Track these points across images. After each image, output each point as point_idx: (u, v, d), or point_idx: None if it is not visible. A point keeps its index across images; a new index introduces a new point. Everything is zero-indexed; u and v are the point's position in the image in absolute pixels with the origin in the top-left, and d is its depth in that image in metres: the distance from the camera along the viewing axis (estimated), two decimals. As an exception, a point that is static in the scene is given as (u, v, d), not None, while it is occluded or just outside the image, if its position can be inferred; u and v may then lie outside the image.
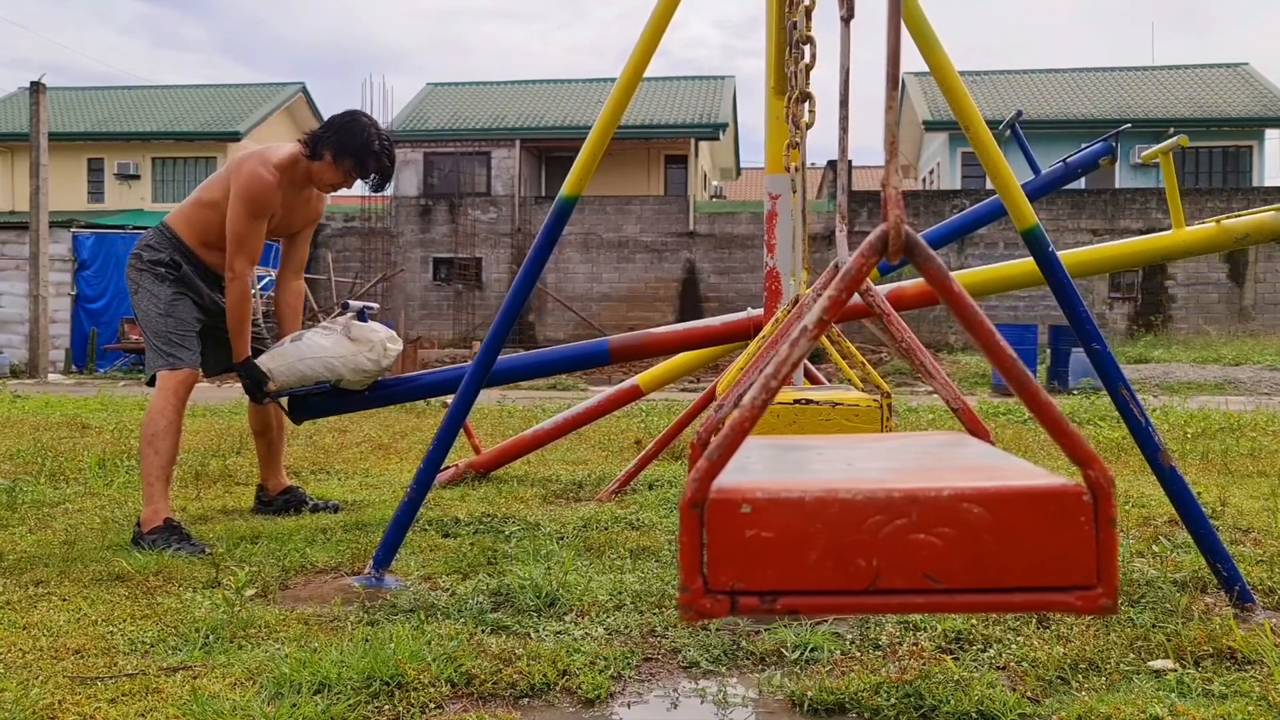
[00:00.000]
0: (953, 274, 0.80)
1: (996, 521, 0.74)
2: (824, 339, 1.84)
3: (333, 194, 3.93)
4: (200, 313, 3.78)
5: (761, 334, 1.89)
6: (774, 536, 0.75)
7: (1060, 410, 0.78)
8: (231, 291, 3.69)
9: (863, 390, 1.93)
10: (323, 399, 3.84)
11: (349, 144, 3.70)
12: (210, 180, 3.83)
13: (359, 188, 3.96)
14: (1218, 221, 3.69)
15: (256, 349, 3.90)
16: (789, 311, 1.75)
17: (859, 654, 2.35)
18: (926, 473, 0.88)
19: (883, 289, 3.87)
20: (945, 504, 0.74)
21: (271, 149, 3.79)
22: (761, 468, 0.96)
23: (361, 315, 3.87)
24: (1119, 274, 21.43)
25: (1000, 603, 0.75)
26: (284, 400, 3.91)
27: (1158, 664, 2.27)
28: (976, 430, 1.11)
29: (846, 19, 1.28)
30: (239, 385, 3.91)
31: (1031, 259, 2.97)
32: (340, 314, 3.91)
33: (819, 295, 0.99)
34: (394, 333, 3.89)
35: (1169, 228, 3.97)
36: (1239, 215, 3.72)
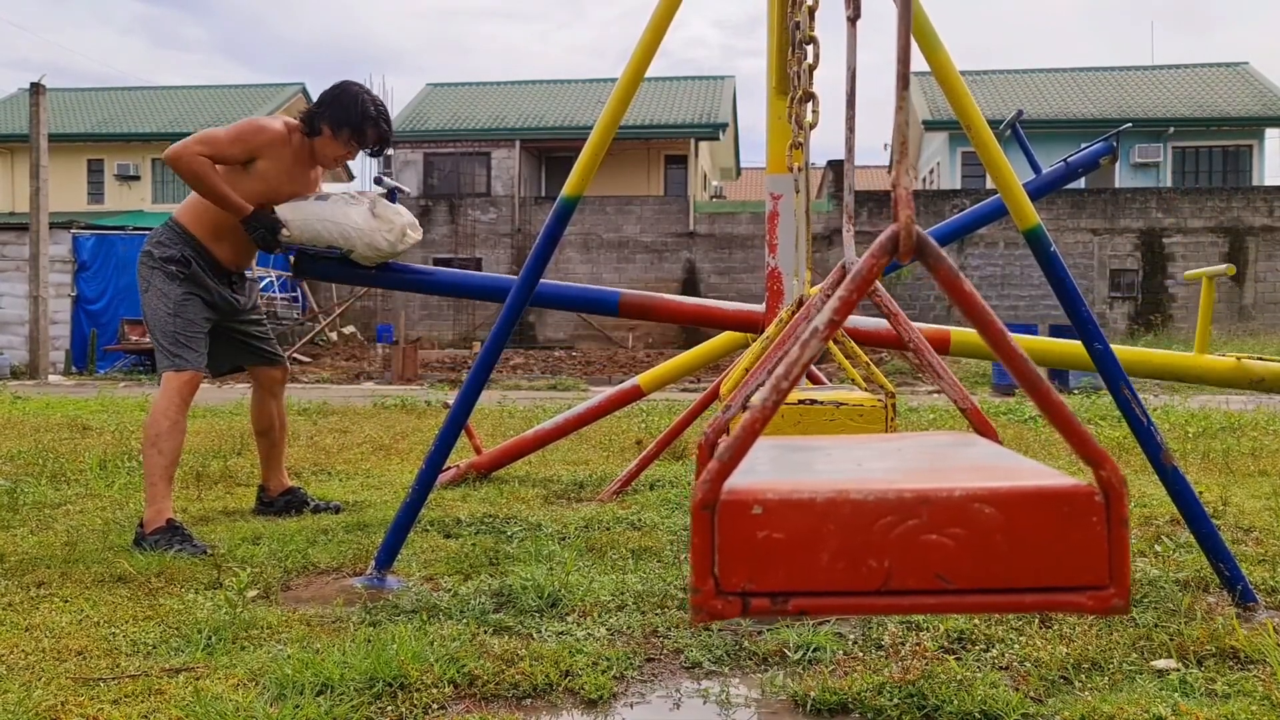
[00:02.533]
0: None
1: (1008, 522, 0.74)
2: (828, 339, 1.83)
3: (336, 167, 3.83)
4: (210, 311, 3.76)
5: (765, 334, 1.89)
6: (785, 538, 0.74)
7: (1071, 410, 0.78)
8: (183, 172, 3.54)
9: (866, 390, 1.93)
10: (330, 263, 3.74)
11: (344, 115, 3.69)
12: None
13: (360, 161, 3.91)
14: (1238, 359, 3.72)
15: (258, 341, 3.86)
16: (793, 312, 1.75)
17: (862, 654, 2.35)
18: (936, 473, 0.88)
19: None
20: (957, 504, 0.74)
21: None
22: (769, 468, 0.95)
23: (392, 196, 3.76)
24: (1119, 274, 21.46)
25: (1012, 603, 0.75)
26: (292, 258, 3.79)
27: (1160, 664, 2.27)
28: (984, 430, 1.11)
29: (853, 19, 1.28)
30: (240, 386, 3.89)
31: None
32: (374, 189, 3.82)
33: (829, 296, 0.99)
34: (415, 221, 3.80)
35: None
36: (1262, 358, 3.74)
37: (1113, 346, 2.88)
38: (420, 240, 3.82)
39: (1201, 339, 3.75)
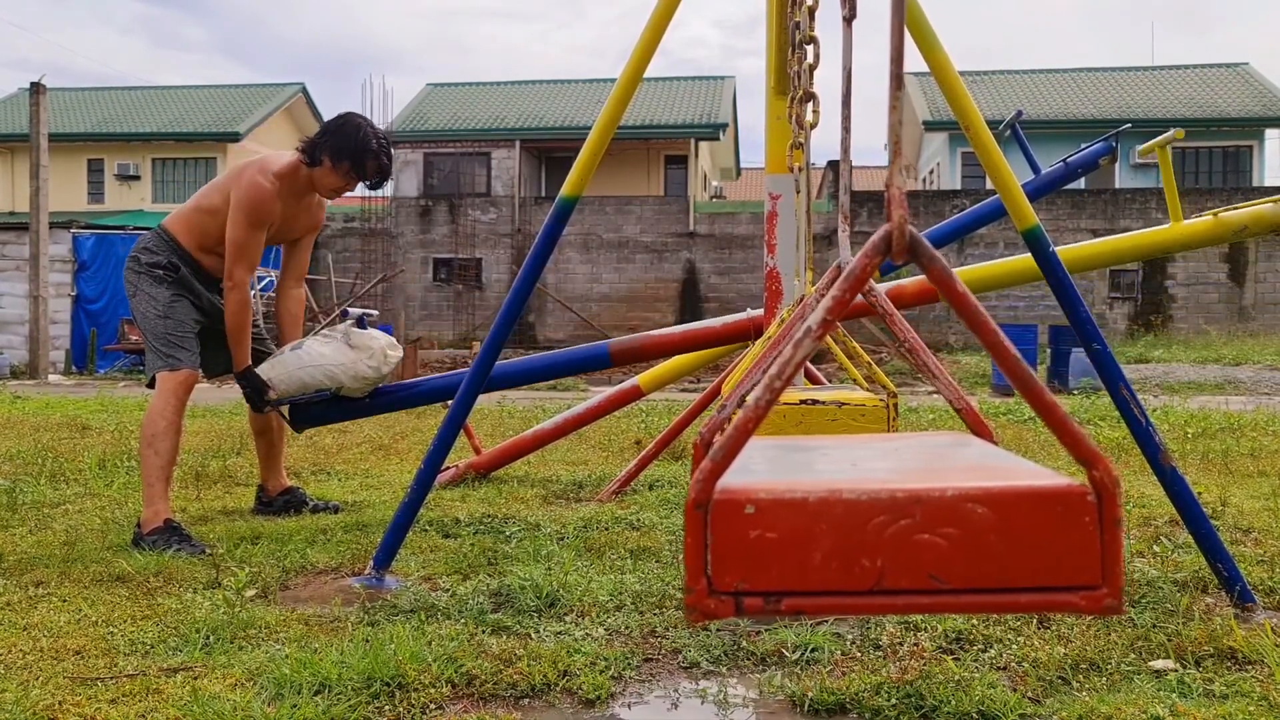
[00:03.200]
0: (955, 272, 0.80)
1: (1001, 521, 0.74)
2: (828, 338, 1.83)
3: (335, 198, 3.92)
4: (199, 314, 3.78)
5: (765, 334, 1.89)
6: (778, 537, 0.74)
7: (1065, 410, 0.78)
8: (230, 300, 3.70)
9: (868, 390, 1.93)
10: (323, 407, 3.85)
11: (345, 146, 3.70)
12: (210, 186, 3.84)
13: (360, 189, 3.96)
14: (1215, 214, 3.69)
15: (258, 353, 3.90)
16: (793, 311, 1.75)
17: (860, 654, 2.35)
18: (931, 473, 0.88)
19: (882, 287, 3.87)
20: (950, 504, 0.74)
21: (272, 158, 3.79)
22: (765, 468, 0.95)
23: (361, 323, 3.88)
24: (1119, 274, 21.44)
25: (1005, 603, 0.75)
26: (285, 410, 3.91)
27: (1158, 664, 2.27)
28: (980, 430, 1.11)
29: (849, 19, 1.28)
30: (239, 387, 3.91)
31: (1030, 255, 2.97)
32: (339, 321, 3.92)
33: (823, 296, 0.99)
34: (394, 339, 3.92)
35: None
36: (1237, 207, 3.72)
37: (1112, 356, 2.87)
38: (401, 359, 3.93)
39: (1173, 209, 3.75)
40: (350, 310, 3.98)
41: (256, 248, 3.70)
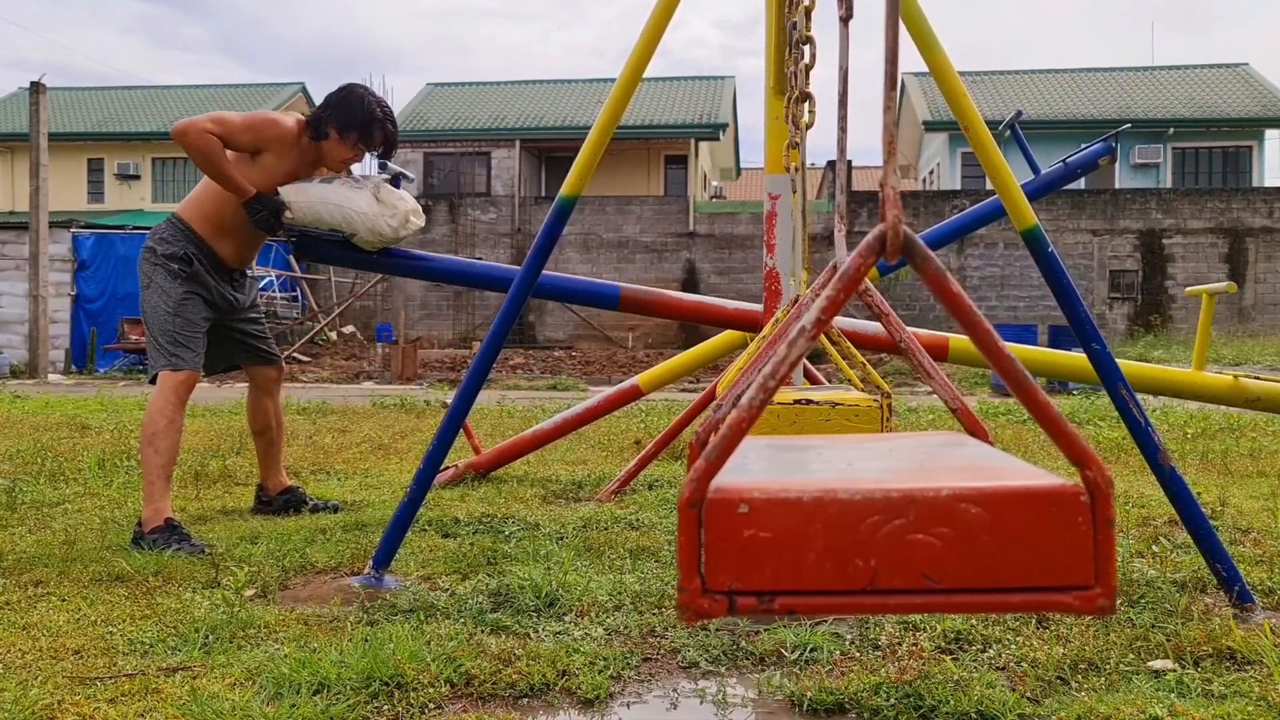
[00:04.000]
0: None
1: (995, 521, 0.74)
2: (824, 339, 1.84)
3: (342, 170, 3.84)
4: (209, 310, 3.76)
5: (761, 334, 1.89)
6: (772, 536, 0.75)
7: (1058, 410, 0.78)
8: (190, 147, 3.53)
9: (863, 390, 1.93)
10: (331, 247, 3.73)
11: (350, 117, 3.70)
12: None
13: (369, 162, 3.91)
14: (1235, 378, 3.71)
15: (258, 352, 3.86)
16: (789, 311, 1.75)
17: (858, 654, 2.35)
18: (925, 473, 0.88)
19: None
20: (943, 504, 0.74)
21: None
22: (760, 468, 0.96)
23: (396, 181, 3.76)
24: (1119, 274, 21.44)
25: (998, 603, 0.75)
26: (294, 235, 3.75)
27: (1157, 664, 2.27)
28: (975, 430, 1.11)
29: (845, 19, 1.28)
30: (240, 385, 3.90)
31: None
32: (379, 174, 3.82)
33: (817, 295, 0.99)
34: (419, 208, 3.80)
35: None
36: (1259, 379, 3.73)
37: (1111, 356, 2.88)
38: (423, 227, 3.82)
39: (1199, 355, 3.75)
40: (389, 165, 3.87)
41: (238, 132, 3.58)
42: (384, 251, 3.73)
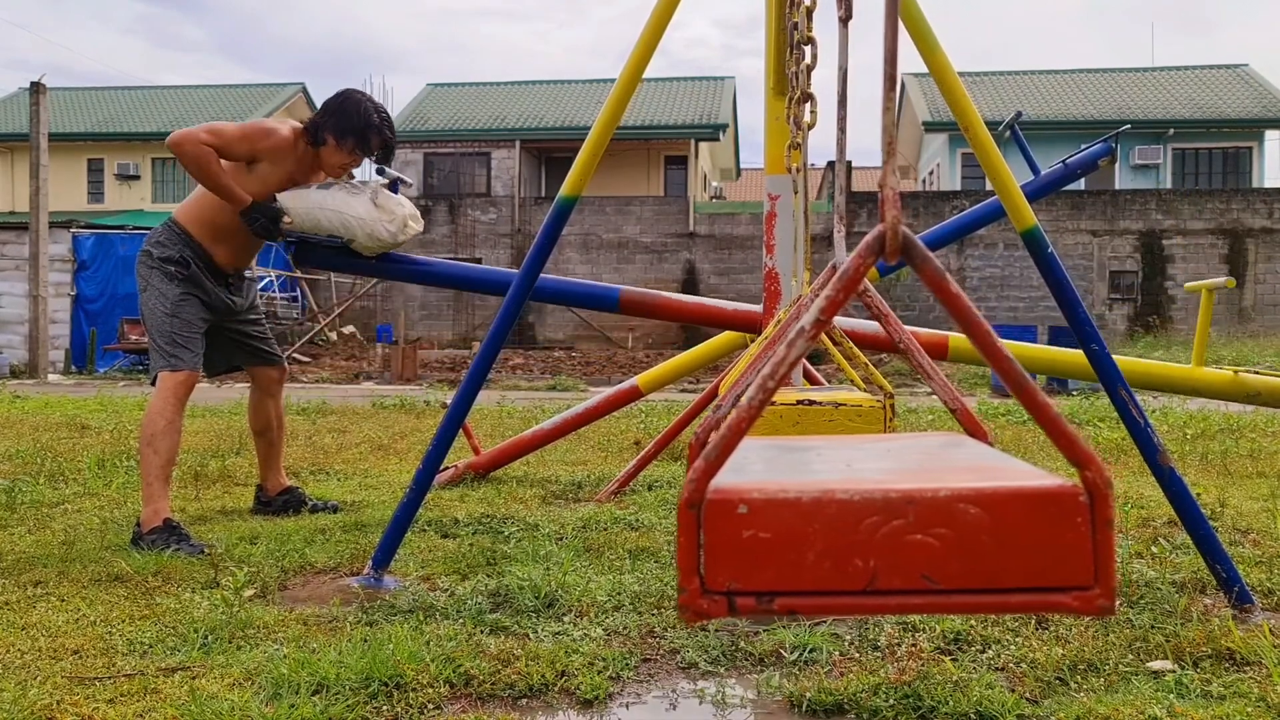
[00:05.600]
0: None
1: (994, 522, 0.74)
2: (826, 339, 1.84)
3: (341, 175, 3.85)
4: (206, 312, 3.77)
5: (762, 334, 1.89)
6: (771, 537, 0.75)
7: (1057, 410, 0.78)
8: (185, 158, 3.53)
9: (865, 390, 1.93)
10: (330, 252, 3.73)
11: (347, 123, 3.70)
12: None
13: (367, 167, 3.91)
14: (1235, 372, 3.70)
15: (258, 352, 3.86)
16: (789, 312, 1.75)
17: (858, 655, 2.35)
18: (924, 473, 0.88)
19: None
20: (942, 505, 0.74)
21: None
22: (760, 468, 0.96)
23: (394, 186, 3.77)
24: (1119, 275, 21.44)
25: (997, 604, 0.75)
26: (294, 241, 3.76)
27: (1156, 665, 2.27)
28: (974, 431, 1.11)
29: (844, 20, 1.28)
30: (239, 386, 3.90)
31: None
32: (377, 179, 3.82)
33: (816, 296, 0.99)
34: (418, 213, 3.80)
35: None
36: (1259, 372, 3.72)
37: (1110, 357, 2.88)
38: (421, 232, 3.82)
39: (1199, 351, 3.74)
40: (387, 170, 3.88)
41: (233, 143, 3.58)
42: (383, 256, 3.74)
